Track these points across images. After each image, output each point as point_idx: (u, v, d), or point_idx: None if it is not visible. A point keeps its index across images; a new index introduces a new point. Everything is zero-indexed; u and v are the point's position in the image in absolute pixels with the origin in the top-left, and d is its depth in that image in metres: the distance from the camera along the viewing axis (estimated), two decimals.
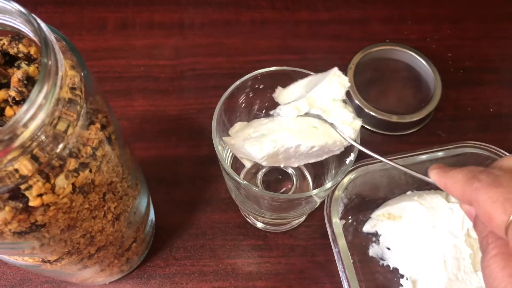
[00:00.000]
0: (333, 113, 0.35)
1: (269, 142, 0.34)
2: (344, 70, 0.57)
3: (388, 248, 0.47)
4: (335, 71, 0.34)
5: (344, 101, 0.35)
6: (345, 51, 0.60)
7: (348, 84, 0.35)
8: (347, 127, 0.34)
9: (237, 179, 0.34)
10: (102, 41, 0.60)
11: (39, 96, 0.23)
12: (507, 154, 0.45)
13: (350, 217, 0.47)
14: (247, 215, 0.49)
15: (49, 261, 0.32)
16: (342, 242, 0.41)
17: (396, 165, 0.32)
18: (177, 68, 0.59)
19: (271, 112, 0.37)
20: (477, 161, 0.46)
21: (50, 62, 0.23)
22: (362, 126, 0.54)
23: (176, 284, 0.46)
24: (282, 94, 0.38)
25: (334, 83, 0.34)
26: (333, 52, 0.61)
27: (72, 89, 0.26)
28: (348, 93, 0.53)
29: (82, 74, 0.27)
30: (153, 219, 0.46)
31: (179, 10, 0.64)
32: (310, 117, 0.35)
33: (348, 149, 0.37)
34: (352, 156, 0.35)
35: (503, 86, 0.58)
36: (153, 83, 0.58)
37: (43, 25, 0.24)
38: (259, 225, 0.48)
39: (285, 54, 0.60)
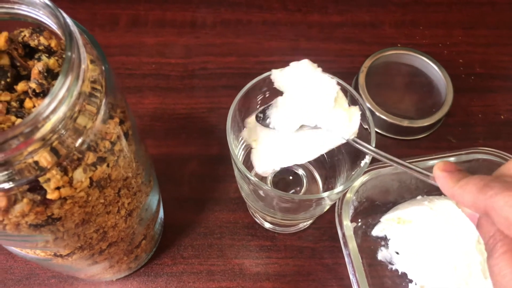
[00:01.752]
0: (328, 117, 0.35)
1: (267, 163, 0.37)
2: (356, 73, 0.57)
3: (397, 253, 0.47)
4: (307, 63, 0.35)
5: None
6: (357, 54, 0.60)
7: (331, 81, 0.34)
8: (345, 127, 0.34)
9: (249, 176, 0.34)
10: (114, 37, 0.60)
11: (62, 89, 0.23)
12: None
13: (359, 220, 0.47)
14: (255, 215, 0.48)
15: (60, 255, 0.32)
16: (352, 244, 0.41)
17: (402, 164, 0.32)
18: (188, 67, 0.59)
19: (268, 122, 0.37)
20: (488, 168, 0.46)
21: (74, 55, 0.23)
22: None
23: (183, 283, 0.45)
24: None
25: (320, 86, 0.34)
26: (345, 55, 0.60)
27: (93, 83, 0.26)
28: (359, 96, 0.53)
29: (103, 68, 0.27)
30: (162, 217, 0.46)
31: (191, 8, 0.64)
32: (307, 130, 0.36)
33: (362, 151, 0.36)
34: (367, 158, 0.35)
35: None
36: (163, 81, 0.58)
37: (68, 18, 0.24)
38: (267, 225, 0.48)
39: (296, 55, 0.59)
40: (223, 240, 0.48)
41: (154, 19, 0.62)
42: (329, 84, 0.35)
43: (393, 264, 0.46)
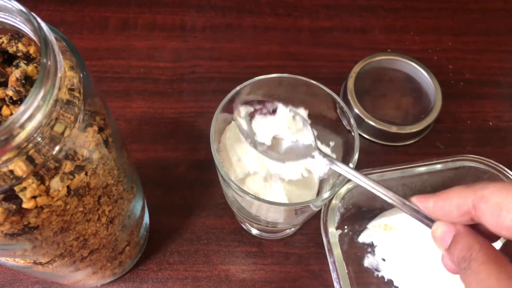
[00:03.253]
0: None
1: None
2: (345, 79, 0.57)
3: (384, 259, 0.47)
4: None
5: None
6: (346, 59, 0.60)
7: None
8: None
9: (233, 184, 0.34)
10: (103, 41, 0.60)
11: (37, 97, 0.22)
12: (506, 169, 0.44)
13: (346, 227, 0.47)
14: (242, 222, 0.48)
15: (40, 263, 0.31)
16: (337, 252, 0.41)
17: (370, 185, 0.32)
18: (177, 71, 0.58)
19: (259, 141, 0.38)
20: (475, 175, 0.46)
21: (49, 63, 0.23)
22: (361, 136, 0.54)
23: None
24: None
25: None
26: (334, 60, 0.60)
27: (71, 90, 0.26)
28: (348, 102, 0.53)
29: (81, 75, 0.26)
30: (148, 222, 0.46)
31: (181, 12, 0.63)
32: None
33: (347, 159, 0.36)
34: (351, 166, 0.35)
35: (503, 100, 0.58)
36: (152, 84, 0.57)
37: (43, 24, 0.24)
38: (254, 231, 0.48)
39: (286, 60, 0.60)
40: (209, 246, 0.48)
41: (143, 22, 0.62)
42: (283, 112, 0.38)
43: (379, 271, 0.46)
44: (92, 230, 0.31)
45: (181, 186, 0.51)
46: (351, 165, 0.35)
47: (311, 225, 0.49)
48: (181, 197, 0.50)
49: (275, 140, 0.38)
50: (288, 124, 0.38)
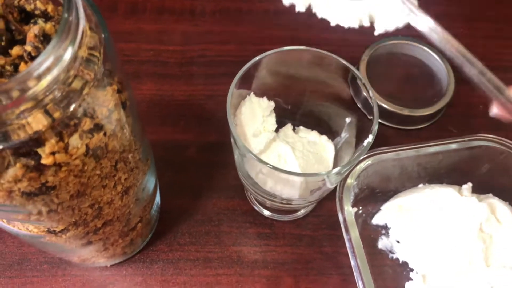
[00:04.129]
0: None
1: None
2: (356, 63, 0.56)
3: (398, 241, 0.46)
4: None
5: None
6: (358, 44, 0.59)
7: None
8: None
9: (251, 156, 0.33)
10: (113, 24, 0.60)
11: (56, 49, 0.22)
12: None
13: (360, 208, 0.46)
14: (254, 202, 0.48)
15: (54, 232, 0.31)
16: (354, 230, 0.40)
17: None
18: (186, 54, 0.58)
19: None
20: (491, 155, 0.45)
21: (71, 18, 0.22)
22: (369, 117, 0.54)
23: (180, 270, 0.44)
24: None
25: None
26: (346, 45, 0.60)
27: (91, 49, 0.25)
28: (358, 86, 0.52)
29: (103, 36, 0.26)
30: (159, 202, 0.45)
31: None
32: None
33: (367, 130, 0.36)
34: (370, 138, 0.34)
35: None
36: (162, 67, 0.57)
37: None
38: (266, 213, 0.47)
39: (297, 44, 0.59)
40: (220, 227, 0.47)
41: (152, 6, 0.62)
42: None
43: (393, 253, 0.46)
44: (108, 198, 0.31)
45: (192, 168, 0.50)
46: (370, 136, 0.34)
47: (323, 207, 0.48)
48: (192, 179, 0.50)
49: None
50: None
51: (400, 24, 0.27)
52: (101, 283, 0.43)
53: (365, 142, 0.35)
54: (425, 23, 0.26)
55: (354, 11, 0.27)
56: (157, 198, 0.44)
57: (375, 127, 0.35)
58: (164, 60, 0.57)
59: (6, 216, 0.29)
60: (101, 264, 0.43)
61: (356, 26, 0.28)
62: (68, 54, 0.22)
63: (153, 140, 0.51)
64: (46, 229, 0.30)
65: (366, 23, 0.28)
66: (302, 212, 0.47)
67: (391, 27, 0.27)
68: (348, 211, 0.41)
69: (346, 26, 0.28)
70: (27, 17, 0.27)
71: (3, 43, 0.25)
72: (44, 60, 0.21)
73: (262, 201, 0.43)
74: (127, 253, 0.43)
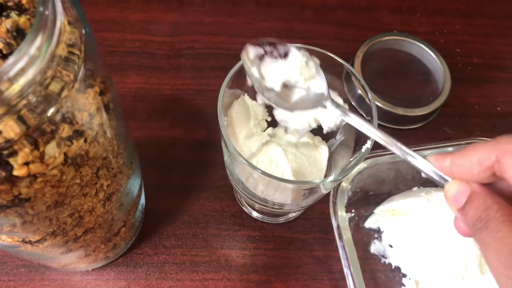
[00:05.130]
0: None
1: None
2: (351, 59, 0.54)
3: (391, 246, 0.45)
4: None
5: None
6: (352, 39, 0.58)
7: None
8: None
9: (242, 160, 0.31)
10: (96, 12, 0.56)
11: (31, 48, 0.19)
12: None
13: (353, 211, 0.45)
14: (243, 203, 0.46)
15: (30, 242, 0.28)
16: (347, 236, 0.39)
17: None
18: (174, 46, 0.55)
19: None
20: None
21: (47, 12, 0.20)
22: (366, 118, 0.52)
23: (165, 274, 0.42)
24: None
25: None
26: (340, 39, 0.58)
27: (70, 46, 0.23)
28: (353, 83, 0.50)
29: (83, 31, 0.23)
30: (144, 203, 0.43)
31: None
32: None
33: (363, 137, 0.34)
34: (368, 144, 0.33)
35: (511, 84, 0.57)
36: (148, 59, 0.54)
37: None
38: (255, 214, 0.45)
39: (289, 38, 0.57)
40: (208, 230, 0.45)
41: None
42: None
43: (386, 258, 0.44)
44: (89, 206, 0.28)
45: (178, 167, 0.48)
46: (369, 142, 0.33)
47: (315, 210, 0.47)
48: (178, 178, 0.47)
49: (285, 88, 0.34)
50: (300, 69, 0.34)
51: (338, 121, 0.33)
52: None
53: (364, 148, 0.33)
54: (357, 121, 0.31)
55: (304, 118, 0.34)
56: (142, 200, 0.42)
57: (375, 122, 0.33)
58: (150, 51, 0.55)
59: None
60: (82, 269, 0.41)
61: (307, 128, 0.34)
62: (44, 53, 0.20)
63: (138, 137, 0.49)
64: (20, 239, 0.28)
65: (314, 125, 0.34)
66: (293, 215, 0.46)
67: (332, 125, 0.33)
68: (342, 216, 0.40)
69: (300, 128, 0.34)
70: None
71: None
72: (17, 60, 0.19)
73: (252, 204, 0.41)
74: (109, 257, 0.41)
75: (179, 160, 0.48)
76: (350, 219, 0.45)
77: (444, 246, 0.42)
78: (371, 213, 0.46)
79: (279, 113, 0.34)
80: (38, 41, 0.20)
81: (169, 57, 0.54)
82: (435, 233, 0.43)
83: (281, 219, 0.46)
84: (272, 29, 0.58)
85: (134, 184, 0.36)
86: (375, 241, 0.45)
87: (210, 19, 0.57)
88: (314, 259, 0.44)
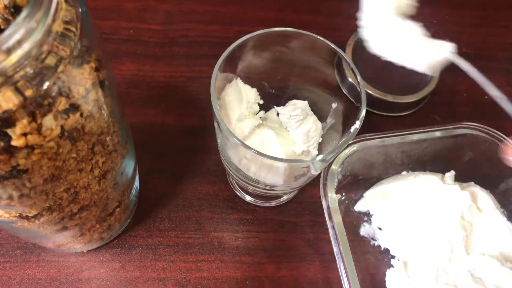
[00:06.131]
0: None
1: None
2: (342, 48, 0.55)
3: (380, 228, 0.46)
4: None
5: None
6: (344, 28, 0.58)
7: None
8: None
9: (236, 140, 0.32)
10: (91, 0, 0.57)
11: (28, 20, 0.20)
12: (506, 137, 0.44)
13: (343, 195, 0.46)
14: (236, 187, 0.47)
15: (27, 217, 0.29)
16: (337, 217, 0.40)
17: None
18: (168, 34, 0.56)
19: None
20: (475, 143, 0.45)
21: None
22: (352, 103, 0.53)
23: (159, 256, 0.43)
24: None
25: None
26: (331, 28, 0.59)
27: (66, 23, 0.23)
28: (343, 71, 0.51)
29: (80, 10, 0.24)
30: (138, 186, 0.44)
31: None
32: None
33: (353, 116, 0.35)
34: (357, 124, 0.34)
35: (500, 75, 0.58)
36: (142, 47, 0.55)
37: None
38: (248, 198, 0.46)
39: (283, 27, 0.58)
40: (201, 213, 0.46)
41: None
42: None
43: (375, 240, 0.46)
44: (84, 182, 0.29)
45: (172, 152, 0.49)
46: (358, 122, 0.34)
47: (306, 193, 0.48)
48: (172, 163, 0.48)
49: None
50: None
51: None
52: (77, 269, 0.42)
53: (352, 129, 0.34)
54: None
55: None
56: (136, 183, 0.43)
57: (362, 114, 0.34)
58: (144, 39, 0.55)
59: None
60: (77, 250, 0.42)
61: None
62: (41, 27, 0.20)
63: (133, 123, 0.49)
64: (17, 214, 0.29)
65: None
66: (284, 198, 0.47)
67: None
68: (332, 198, 0.41)
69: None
70: None
71: None
72: (14, 32, 0.20)
73: (245, 186, 0.42)
74: (104, 238, 0.42)
75: (172, 145, 0.49)
76: (340, 202, 0.46)
77: (432, 229, 0.43)
78: (361, 196, 0.47)
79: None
80: (36, 15, 0.20)
81: (163, 45, 0.55)
82: (422, 215, 0.44)
83: (273, 203, 0.47)
84: (264, 18, 0.58)
85: (129, 164, 0.36)
86: (365, 223, 0.46)
87: (203, 8, 0.58)
88: (305, 241, 0.45)
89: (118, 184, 0.35)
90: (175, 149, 0.49)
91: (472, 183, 0.46)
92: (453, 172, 0.46)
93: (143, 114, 0.51)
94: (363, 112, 0.34)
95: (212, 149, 0.49)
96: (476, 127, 0.45)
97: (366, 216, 0.47)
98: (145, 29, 0.56)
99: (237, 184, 0.46)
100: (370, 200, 0.46)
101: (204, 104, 0.52)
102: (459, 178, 0.46)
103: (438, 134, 0.45)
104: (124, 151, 0.34)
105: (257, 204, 0.46)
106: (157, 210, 0.46)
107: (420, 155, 0.46)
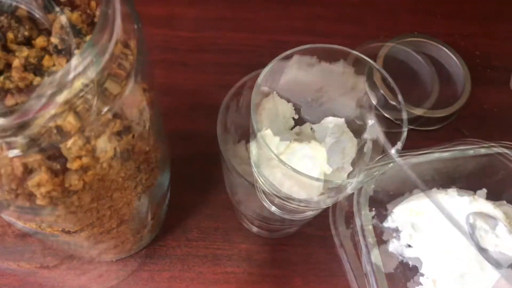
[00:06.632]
0: None
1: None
2: (373, 59, 0.55)
3: (409, 245, 0.45)
4: None
5: None
6: (373, 39, 0.58)
7: None
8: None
9: (274, 156, 0.32)
10: None
11: (94, 49, 0.20)
12: None
13: (373, 210, 0.45)
14: (264, 199, 0.46)
15: (69, 232, 0.29)
16: (371, 236, 0.39)
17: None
18: (197, 41, 0.56)
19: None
20: (509, 161, 0.44)
21: (110, 11, 0.20)
22: (386, 118, 0.53)
23: (188, 267, 0.43)
24: None
25: None
26: (360, 37, 0.58)
27: (123, 44, 0.23)
28: (374, 83, 0.50)
29: (135, 27, 0.24)
30: (169, 196, 0.44)
31: None
32: None
33: (390, 134, 0.35)
34: (399, 145, 0.33)
35: None
36: (171, 54, 0.55)
37: None
38: (273, 208, 0.46)
39: (310, 36, 0.58)
40: (229, 224, 0.46)
41: None
42: None
43: (404, 257, 0.45)
44: (128, 199, 0.29)
45: (202, 161, 0.49)
46: (399, 143, 0.33)
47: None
48: (202, 172, 0.48)
49: None
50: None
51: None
52: (107, 278, 0.42)
53: (393, 150, 0.33)
54: None
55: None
56: (168, 193, 0.42)
57: (403, 136, 0.33)
58: (174, 46, 0.55)
59: (19, 218, 0.27)
60: (106, 259, 0.42)
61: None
62: (105, 53, 0.20)
63: None
64: (60, 229, 0.29)
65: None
66: (312, 213, 0.46)
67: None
68: (366, 215, 0.40)
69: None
70: (51, 5, 0.25)
71: (26, 33, 0.23)
72: (81, 61, 0.20)
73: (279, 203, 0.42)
74: (134, 249, 0.42)
75: (202, 154, 0.49)
76: (371, 218, 0.46)
77: (461, 246, 0.43)
78: (390, 212, 0.47)
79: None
80: (100, 41, 0.20)
81: (192, 52, 0.55)
82: (452, 233, 0.43)
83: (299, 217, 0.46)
84: (293, 27, 0.58)
85: (165, 177, 0.36)
86: (394, 240, 0.46)
87: (232, 15, 0.58)
88: (334, 256, 0.45)
89: (156, 198, 0.35)
90: (204, 158, 0.49)
91: (504, 202, 0.46)
92: (485, 190, 0.45)
93: (171, 122, 0.50)
94: (404, 134, 0.33)
95: None
96: (510, 146, 0.44)
97: (395, 232, 0.46)
98: (174, 36, 0.56)
99: (266, 198, 0.46)
100: (399, 217, 0.46)
101: None
102: (490, 197, 0.45)
103: (471, 152, 0.44)
104: (164, 166, 0.34)
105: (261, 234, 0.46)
106: (186, 219, 0.46)
107: (451, 173, 0.46)
